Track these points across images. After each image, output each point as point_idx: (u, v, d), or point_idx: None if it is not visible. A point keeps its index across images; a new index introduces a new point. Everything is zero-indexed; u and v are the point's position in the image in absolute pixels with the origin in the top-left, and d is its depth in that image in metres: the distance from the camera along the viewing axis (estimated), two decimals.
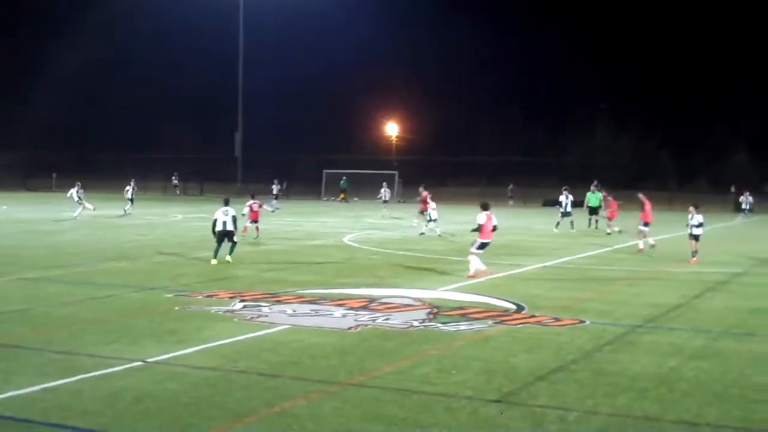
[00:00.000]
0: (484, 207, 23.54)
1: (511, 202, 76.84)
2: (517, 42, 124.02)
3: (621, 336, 15.24)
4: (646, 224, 32.07)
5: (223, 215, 25.83)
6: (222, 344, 13.92)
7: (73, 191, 46.19)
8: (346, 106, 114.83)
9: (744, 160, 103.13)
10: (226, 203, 26.34)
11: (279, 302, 18.11)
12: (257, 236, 34.30)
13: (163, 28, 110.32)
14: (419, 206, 40.52)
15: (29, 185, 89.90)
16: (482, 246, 23.34)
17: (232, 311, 17.02)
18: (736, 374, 12.47)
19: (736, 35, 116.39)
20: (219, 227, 25.76)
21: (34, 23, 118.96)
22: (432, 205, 37.77)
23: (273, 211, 52.42)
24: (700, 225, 27.94)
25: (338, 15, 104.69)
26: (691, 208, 28.27)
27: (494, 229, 23.38)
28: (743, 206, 61.24)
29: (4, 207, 48.40)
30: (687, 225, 28.43)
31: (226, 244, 25.81)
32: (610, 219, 40.94)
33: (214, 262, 25.29)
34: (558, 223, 42.70)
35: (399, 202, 71.87)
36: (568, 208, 43.38)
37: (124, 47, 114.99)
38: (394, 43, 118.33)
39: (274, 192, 64.55)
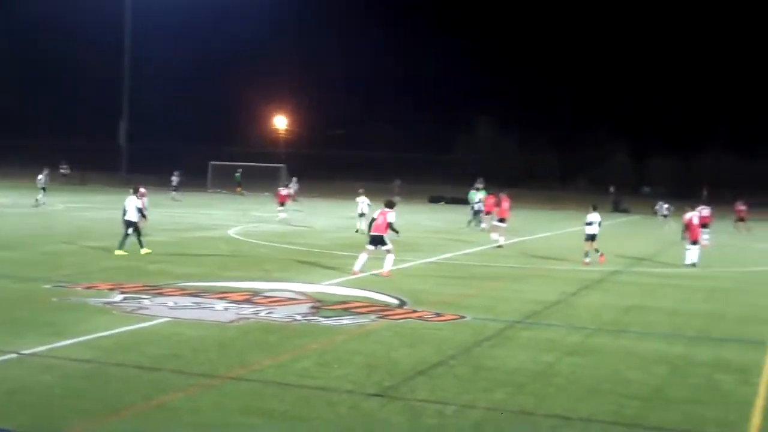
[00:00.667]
0: (388, 205, 23.83)
1: (398, 198, 77.40)
2: (410, 39, 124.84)
3: (500, 331, 15.52)
4: (501, 220, 33.67)
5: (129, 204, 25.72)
6: (100, 336, 13.66)
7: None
8: (233, 97, 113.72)
9: (624, 161, 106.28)
10: (135, 192, 26.12)
11: (160, 294, 17.86)
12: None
13: (45, 10, 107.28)
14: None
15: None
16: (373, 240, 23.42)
17: (112, 303, 16.72)
18: (609, 370, 12.84)
19: (615, 36, 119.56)
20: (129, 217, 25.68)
21: None
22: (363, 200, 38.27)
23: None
24: (591, 224, 28.39)
25: (229, 2, 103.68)
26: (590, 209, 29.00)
27: (389, 226, 23.48)
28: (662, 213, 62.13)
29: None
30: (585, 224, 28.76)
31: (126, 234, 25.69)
32: (487, 213, 41.45)
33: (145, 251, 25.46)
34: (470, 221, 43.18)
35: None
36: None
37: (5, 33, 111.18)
38: (287, 33, 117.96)
39: (174, 183, 63.65)
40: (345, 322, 15.75)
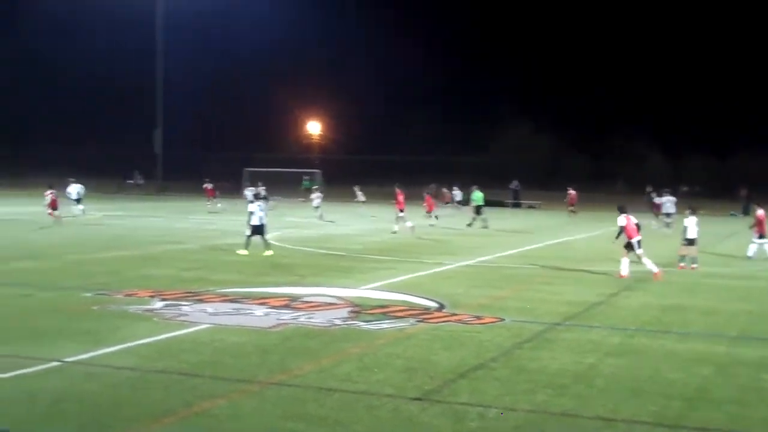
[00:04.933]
0: (621, 210, 24.49)
1: (436, 202, 77.46)
2: (439, 41, 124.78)
3: (540, 333, 15.44)
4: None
5: (258, 209, 27.69)
6: (141, 344, 13.75)
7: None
8: (266, 103, 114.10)
9: (659, 161, 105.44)
10: (257, 197, 27.28)
11: (200, 301, 17.94)
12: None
13: (79, 26, 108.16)
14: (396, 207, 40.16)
15: None
16: (630, 245, 24.07)
17: (152, 310, 16.81)
18: (651, 370, 12.72)
19: (651, 36, 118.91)
20: (255, 221, 27.62)
21: None
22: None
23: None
24: (687, 228, 27.21)
25: (260, 8, 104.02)
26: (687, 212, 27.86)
27: (638, 227, 24.28)
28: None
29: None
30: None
31: (258, 238, 27.64)
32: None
33: (244, 252, 27.19)
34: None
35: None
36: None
37: (35, 41, 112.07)
38: (318, 37, 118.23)
39: (262, 194, 60.80)
40: (384, 326, 15.74)
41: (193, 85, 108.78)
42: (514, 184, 75.07)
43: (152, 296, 18.46)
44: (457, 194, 64.25)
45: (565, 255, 30.64)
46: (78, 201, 47.93)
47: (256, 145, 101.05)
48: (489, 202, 44.94)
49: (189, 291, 19.26)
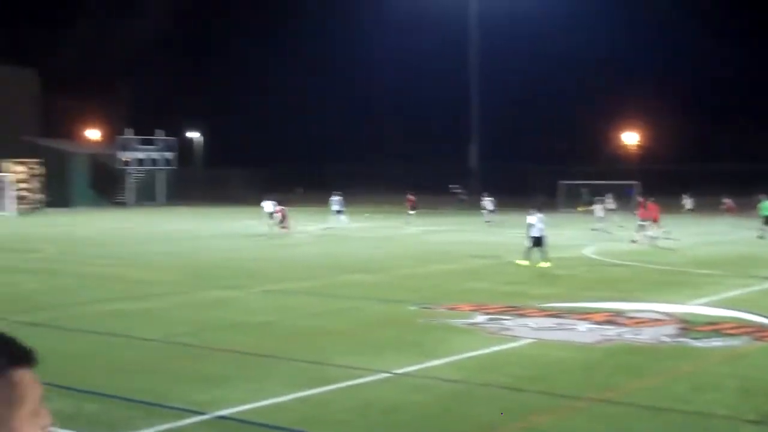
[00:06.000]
0: None
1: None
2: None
3: None
4: None
5: (538, 222, 28.03)
6: (466, 357, 13.90)
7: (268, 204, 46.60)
8: (583, 114, 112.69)
9: None
10: (539, 209, 28.48)
11: (521, 315, 17.91)
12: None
13: (392, 39, 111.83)
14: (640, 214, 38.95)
15: (268, 199, 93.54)
16: None
17: (475, 324, 16.98)
18: None
19: None
20: (534, 233, 28.03)
21: (261, 42, 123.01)
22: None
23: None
24: None
25: (577, 16, 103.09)
26: None
27: None
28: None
29: (253, 221, 50.63)
30: None
31: (538, 250, 28.02)
32: None
33: (525, 263, 27.63)
34: None
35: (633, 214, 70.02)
36: None
37: (342, 57, 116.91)
38: (634, 48, 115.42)
39: (489, 207, 57.08)
40: (716, 343, 14.95)
41: (504, 95, 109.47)
42: None
43: (474, 310, 18.64)
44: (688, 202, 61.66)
45: None
46: (339, 213, 50.46)
47: (570, 156, 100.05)
48: None
49: (510, 305, 19.28)
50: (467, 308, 18.89)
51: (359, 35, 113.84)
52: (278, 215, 43.08)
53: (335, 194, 51.33)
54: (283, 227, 42.28)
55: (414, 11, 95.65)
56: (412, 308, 19.10)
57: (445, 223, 53.62)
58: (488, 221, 52.47)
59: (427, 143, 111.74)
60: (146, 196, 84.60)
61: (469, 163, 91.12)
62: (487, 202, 55.06)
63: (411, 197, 55.73)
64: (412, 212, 54.30)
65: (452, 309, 18.83)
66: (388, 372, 12.78)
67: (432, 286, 23.20)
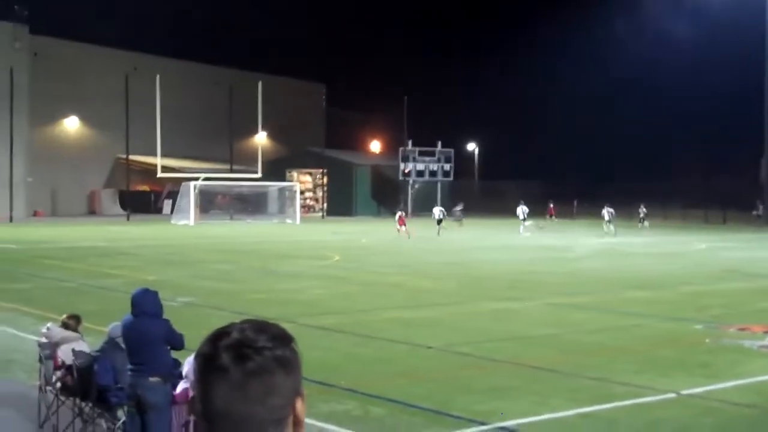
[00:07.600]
0: None
1: None
2: None
3: None
4: None
5: None
6: (758, 381, 13.16)
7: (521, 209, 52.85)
8: None
9: None
10: None
11: None
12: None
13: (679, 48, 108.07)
14: None
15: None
16: None
17: None
18: None
19: None
20: None
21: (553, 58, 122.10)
22: None
23: None
24: None
25: None
26: None
27: None
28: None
29: (527, 234, 50.81)
30: None
31: None
32: None
33: None
34: None
35: None
36: None
37: (628, 72, 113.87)
38: None
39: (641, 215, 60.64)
40: None
41: None
42: None
43: (767, 332, 17.61)
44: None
45: None
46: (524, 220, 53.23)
47: None
48: None
49: None
50: (760, 329, 17.86)
51: (649, 51, 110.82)
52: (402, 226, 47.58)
53: (607, 206, 52.49)
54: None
55: (705, 24, 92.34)
56: (698, 327, 18.31)
57: (735, 240, 51.07)
58: None
59: (714, 157, 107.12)
60: (425, 207, 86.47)
61: (761, 177, 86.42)
62: None
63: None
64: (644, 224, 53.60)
65: (743, 330, 17.87)
66: (674, 392, 12.30)
67: (720, 305, 22.12)
